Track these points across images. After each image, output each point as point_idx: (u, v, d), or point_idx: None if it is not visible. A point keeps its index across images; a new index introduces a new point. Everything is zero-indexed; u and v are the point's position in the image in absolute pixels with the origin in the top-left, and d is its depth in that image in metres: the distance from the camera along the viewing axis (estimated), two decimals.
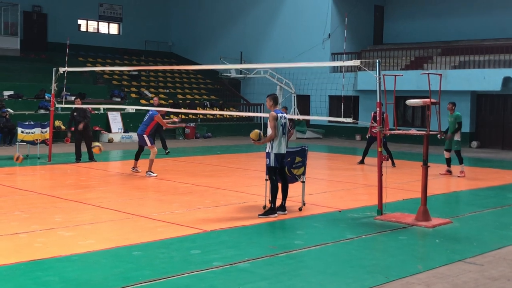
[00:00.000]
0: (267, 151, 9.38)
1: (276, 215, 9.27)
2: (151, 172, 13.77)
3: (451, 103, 14.71)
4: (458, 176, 14.59)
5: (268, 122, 9.39)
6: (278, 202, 9.54)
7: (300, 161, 9.76)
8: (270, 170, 9.41)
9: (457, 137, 14.66)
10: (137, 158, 14.38)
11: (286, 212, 9.51)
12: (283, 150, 9.38)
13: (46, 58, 29.85)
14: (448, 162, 14.91)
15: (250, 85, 31.35)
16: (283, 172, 9.59)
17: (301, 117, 25.90)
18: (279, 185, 9.50)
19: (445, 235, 8.34)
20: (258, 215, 9.27)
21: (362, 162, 16.85)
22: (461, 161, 14.82)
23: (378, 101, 9.62)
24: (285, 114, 9.59)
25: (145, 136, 13.91)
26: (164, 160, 14.17)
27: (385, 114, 10.67)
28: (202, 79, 33.96)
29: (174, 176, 13.80)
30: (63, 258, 6.76)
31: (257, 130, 9.73)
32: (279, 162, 9.38)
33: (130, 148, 20.90)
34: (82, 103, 17.43)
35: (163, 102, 28.33)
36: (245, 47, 31.85)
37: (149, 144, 13.93)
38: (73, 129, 17.43)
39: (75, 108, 16.37)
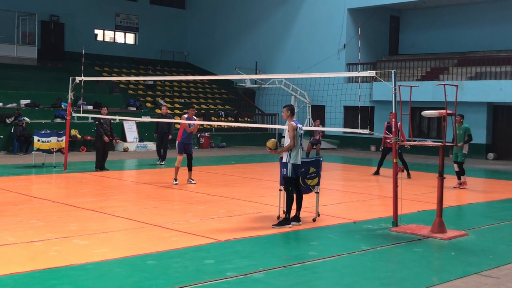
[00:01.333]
0: (284, 161, 9.37)
1: (291, 226, 9.24)
2: (175, 179, 13.96)
3: (459, 115, 14.38)
4: (460, 188, 14.42)
5: (287, 132, 9.41)
6: (293, 213, 9.51)
7: (314, 171, 9.74)
8: (286, 181, 9.40)
9: (464, 150, 14.40)
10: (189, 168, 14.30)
11: (301, 223, 9.47)
12: (299, 160, 9.39)
13: (63, 67, 30.11)
14: (458, 174, 14.69)
15: (265, 95, 31.40)
16: (297, 182, 9.57)
17: (316, 128, 25.76)
18: (294, 196, 9.48)
19: (461, 248, 8.27)
20: (273, 225, 9.26)
21: (377, 173, 16.78)
22: (462, 173, 14.58)
23: (393, 111, 9.59)
24: (300, 124, 9.60)
25: (177, 142, 14.07)
26: (179, 170, 14.18)
27: (398, 124, 10.56)
28: (217, 89, 34.07)
29: (189, 185, 13.81)
30: (77, 266, 6.79)
31: (273, 139, 9.74)
32: (295, 172, 9.38)
33: (145, 157, 21.02)
34: (98, 113, 17.54)
35: (178, 111, 28.47)
36: (260, 57, 31.93)
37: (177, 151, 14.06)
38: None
39: (100, 117, 16.45)
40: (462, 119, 14.56)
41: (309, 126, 26.60)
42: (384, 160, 16.59)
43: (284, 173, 9.37)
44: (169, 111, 21.35)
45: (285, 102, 28.56)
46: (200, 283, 6.28)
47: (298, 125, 9.45)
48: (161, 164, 18.11)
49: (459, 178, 14.63)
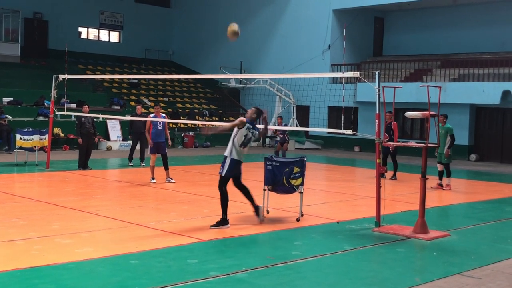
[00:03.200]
0: (225, 154, 9.20)
1: (229, 226, 9.08)
2: (152, 178, 14.04)
3: (443, 115, 14.35)
4: (444, 189, 14.47)
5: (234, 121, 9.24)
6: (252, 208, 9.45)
7: (298, 171, 9.75)
8: (223, 181, 9.19)
9: (446, 154, 14.31)
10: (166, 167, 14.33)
11: (261, 216, 9.42)
12: (241, 158, 9.19)
13: (46, 65, 29.90)
14: (441, 175, 14.71)
15: (250, 95, 31.39)
16: (238, 180, 9.41)
17: (300, 129, 25.90)
18: (239, 193, 9.41)
19: (443, 248, 8.33)
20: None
21: (393, 176, 16.25)
22: (448, 174, 14.55)
23: (377, 112, 9.64)
24: (255, 131, 9.32)
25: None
26: (163, 169, 14.13)
27: (393, 123, 10.61)
28: (202, 88, 34.01)
29: (173, 185, 13.78)
30: (60, 265, 6.74)
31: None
32: (235, 170, 9.17)
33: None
34: (81, 111, 17.44)
35: (162, 110, 28.29)
36: (245, 57, 31.93)
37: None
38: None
39: (80, 115, 16.39)
40: (446, 119, 14.59)
41: (294, 126, 26.68)
42: (386, 161, 16.09)
43: (220, 171, 9.21)
44: (143, 110, 21.19)
45: (270, 102, 28.66)
46: (183, 282, 6.26)
47: (248, 125, 9.15)
48: (142, 165, 17.87)
49: (440, 179, 14.67)
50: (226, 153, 9.19)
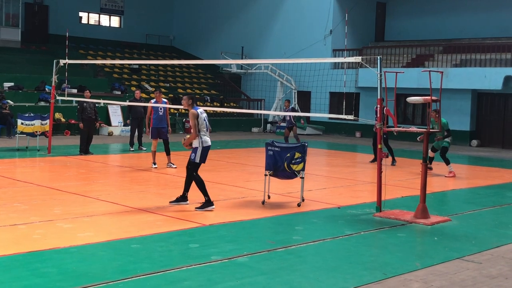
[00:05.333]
0: (195, 146, 9.38)
1: (213, 206, 9.24)
2: (154, 163, 14.12)
3: (434, 111, 12.72)
4: (446, 176, 14.29)
5: (189, 120, 9.47)
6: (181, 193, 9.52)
7: (299, 157, 9.74)
8: (193, 166, 9.40)
9: (447, 138, 14.27)
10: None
11: (188, 202, 9.51)
12: (209, 142, 9.46)
13: (47, 50, 29.83)
14: (431, 160, 14.60)
15: (251, 81, 31.33)
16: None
17: (302, 114, 25.80)
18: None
19: (444, 233, 8.35)
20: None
21: (375, 160, 16.33)
22: (447, 162, 14.36)
23: (379, 97, 9.62)
24: (202, 109, 9.57)
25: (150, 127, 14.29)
26: (164, 154, 14.14)
27: (385, 109, 10.55)
28: (203, 74, 33.94)
29: (174, 170, 13.79)
30: (61, 250, 6.77)
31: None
32: (205, 157, 9.43)
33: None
34: (82, 97, 17.42)
35: (163, 96, 28.30)
36: (247, 42, 31.82)
37: None
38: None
39: (82, 100, 16.37)
40: (438, 115, 14.14)
41: (296, 111, 26.63)
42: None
43: (192, 158, 9.37)
44: (143, 95, 21.13)
45: (272, 87, 28.63)
46: (185, 266, 6.29)
47: (199, 111, 9.40)
48: (142, 149, 17.90)
49: (430, 162, 14.51)
50: (195, 144, 9.34)
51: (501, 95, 23.90)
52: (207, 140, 9.43)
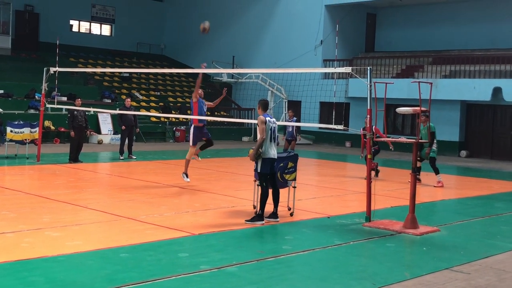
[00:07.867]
0: (265, 156, 9.21)
1: (263, 222, 9.12)
2: (185, 174, 12.97)
3: (424, 116, 13.54)
4: (435, 186, 14.37)
5: (257, 126, 9.36)
6: (271, 209, 9.47)
7: (292, 166, 9.76)
8: (260, 177, 9.29)
9: (433, 146, 14.26)
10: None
11: (278, 219, 9.37)
12: (273, 155, 9.26)
13: (37, 57, 29.73)
14: (418, 169, 14.57)
15: (242, 90, 31.36)
16: (273, 178, 9.46)
17: (292, 124, 25.81)
18: (270, 192, 9.41)
19: (433, 243, 8.37)
20: (245, 220, 9.19)
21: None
22: (436, 171, 14.38)
23: (368, 108, 9.66)
24: (274, 119, 9.48)
25: (192, 126, 12.99)
26: (154, 163, 14.12)
27: (374, 128, 10.47)
28: (194, 83, 33.85)
29: (164, 178, 13.76)
30: (50, 258, 6.73)
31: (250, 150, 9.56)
32: (269, 167, 9.25)
33: None
34: (72, 104, 17.38)
35: (153, 104, 28.35)
36: (238, 52, 31.88)
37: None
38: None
39: (73, 109, 16.30)
40: (427, 119, 14.31)
41: (285, 121, 26.63)
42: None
43: (255, 168, 9.31)
44: (133, 103, 21.04)
45: (262, 97, 28.62)
46: (174, 276, 6.27)
47: (268, 118, 9.25)
48: (132, 158, 17.81)
49: (418, 173, 14.47)
50: (264, 154, 9.14)
51: (490, 106, 24.06)
52: (268, 151, 9.12)
